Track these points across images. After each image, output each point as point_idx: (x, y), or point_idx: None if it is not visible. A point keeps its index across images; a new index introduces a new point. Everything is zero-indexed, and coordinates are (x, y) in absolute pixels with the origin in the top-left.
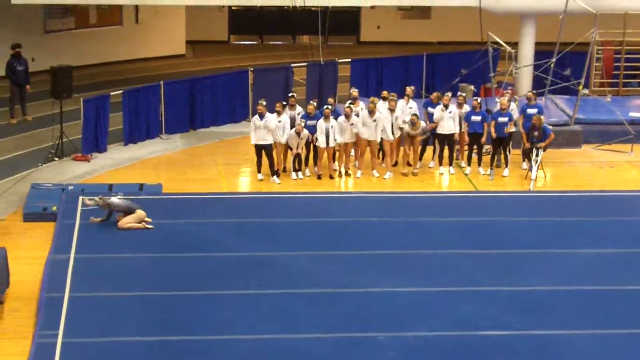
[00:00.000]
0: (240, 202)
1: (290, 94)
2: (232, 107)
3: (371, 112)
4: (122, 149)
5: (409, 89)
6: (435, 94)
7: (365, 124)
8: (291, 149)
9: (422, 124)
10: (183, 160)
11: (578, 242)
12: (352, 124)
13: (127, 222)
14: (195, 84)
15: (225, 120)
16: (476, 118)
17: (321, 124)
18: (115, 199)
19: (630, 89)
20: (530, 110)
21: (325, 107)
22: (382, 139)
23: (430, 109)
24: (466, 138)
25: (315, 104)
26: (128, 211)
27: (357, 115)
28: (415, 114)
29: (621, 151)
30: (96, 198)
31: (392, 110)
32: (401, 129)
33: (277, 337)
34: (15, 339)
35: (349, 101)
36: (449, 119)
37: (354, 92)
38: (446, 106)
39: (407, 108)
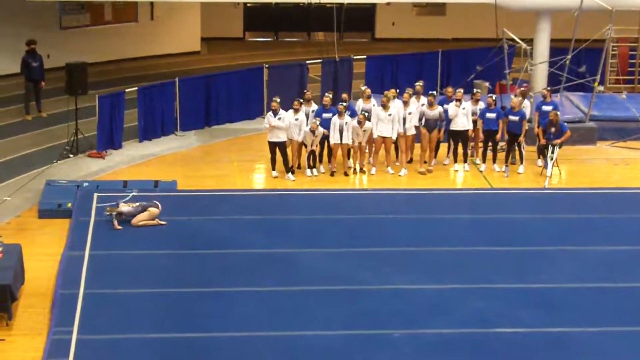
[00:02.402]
0: (255, 198)
1: (305, 90)
2: (246, 104)
3: (384, 106)
4: (137, 146)
5: (419, 86)
6: (449, 89)
7: (380, 119)
8: (306, 146)
9: (440, 108)
10: (198, 157)
11: (593, 239)
12: (365, 130)
13: (140, 219)
14: (210, 80)
15: (240, 117)
16: (491, 115)
17: (335, 120)
18: (124, 208)
19: None
20: (545, 107)
21: (339, 104)
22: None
23: (445, 106)
24: (481, 135)
25: (331, 95)
26: (142, 211)
27: (369, 112)
28: (432, 94)
29: (636, 148)
30: (106, 210)
31: (405, 103)
32: (417, 127)
33: (291, 334)
34: (30, 335)
35: (362, 110)
36: (462, 115)
37: (367, 90)
38: (459, 101)
39: (419, 105)
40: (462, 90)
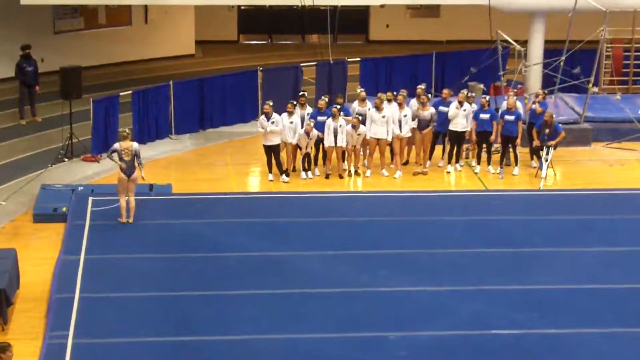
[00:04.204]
0: (250, 202)
1: (300, 93)
2: (241, 107)
3: (378, 108)
4: None
5: (420, 89)
6: (446, 91)
7: (374, 120)
8: (301, 149)
9: (432, 109)
10: (192, 160)
11: (588, 241)
12: (360, 134)
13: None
14: (204, 84)
15: (235, 120)
16: (484, 116)
17: (329, 123)
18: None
19: None
20: (533, 106)
21: (333, 106)
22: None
23: (441, 108)
24: (474, 136)
25: (326, 99)
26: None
27: (364, 116)
28: (427, 95)
29: (631, 149)
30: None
31: (400, 104)
32: (413, 129)
33: (288, 337)
34: (26, 339)
35: (357, 113)
36: (462, 116)
37: (362, 92)
38: (461, 103)
39: (415, 107)
40: (465, 92)
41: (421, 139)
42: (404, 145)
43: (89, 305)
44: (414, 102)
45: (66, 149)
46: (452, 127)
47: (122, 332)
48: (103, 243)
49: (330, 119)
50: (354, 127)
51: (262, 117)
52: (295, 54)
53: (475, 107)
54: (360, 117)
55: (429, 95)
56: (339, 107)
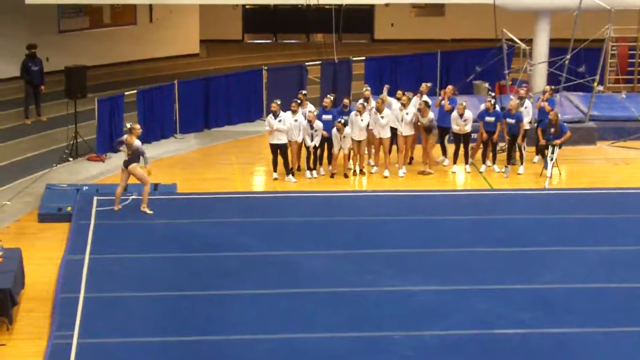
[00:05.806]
0: (255, 201)
1: (299, 92)
2: (246, 106)
3: (379, 110)
4: None
5: (424, 86)
6: (450, 87)
7: (375, 121)
8: (307, 147)
9: (431, 115)
10: (197, 159)
11: (593, 240)
12: (345, 137)
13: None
14: (209, 83)
15: (240, 120)
16: (490, 119)
17: (335, 133)
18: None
19: None
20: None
21: (337, 121)
22: (396, 135)
23: (443, 102)
24: (485, 135)
25: (332, 97)
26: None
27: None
28: (425, 101)
29: (636, 148)
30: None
31: (403, 105)
32: (417, 127)
33: (292, 337)
34: (31, 339)
35: (362, 100)
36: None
37: (367, 91)
38: (461, 115)
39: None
40: (464, 104)
41: (425, 139)
42: (408, 143)
43: (94, 305)
44: (415, 100)
45: (71, 149)
46: (454, 130)
47: (127, 332)
48: (108, 243)
49: (334, 129)
50: (339, 130)
51: (270, 115)
52: (300, 53)
53: (482, 107)
54: (342, 121)
55: (429, 102)
56: (342, 121)
